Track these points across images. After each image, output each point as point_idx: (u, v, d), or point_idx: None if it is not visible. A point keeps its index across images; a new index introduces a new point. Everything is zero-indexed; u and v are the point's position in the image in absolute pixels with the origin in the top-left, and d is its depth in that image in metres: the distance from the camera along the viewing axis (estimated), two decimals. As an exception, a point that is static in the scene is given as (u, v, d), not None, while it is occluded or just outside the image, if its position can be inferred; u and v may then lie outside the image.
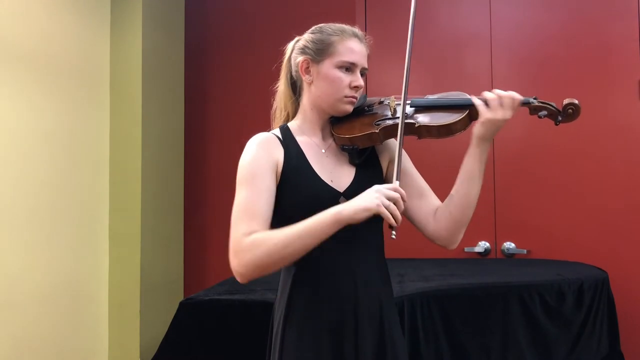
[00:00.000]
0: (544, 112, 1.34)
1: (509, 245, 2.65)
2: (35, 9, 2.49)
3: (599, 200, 2.54)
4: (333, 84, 1.34)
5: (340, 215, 1.18)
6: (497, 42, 2.73)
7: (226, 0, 3.24)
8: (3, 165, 2.33)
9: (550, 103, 1.34)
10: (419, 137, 1.35)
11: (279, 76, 1.47)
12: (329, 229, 1.19)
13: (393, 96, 1.39)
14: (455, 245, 1.40)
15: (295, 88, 1.44)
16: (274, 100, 1.49)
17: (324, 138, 1.41)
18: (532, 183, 2.64)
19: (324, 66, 1.35)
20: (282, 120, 1.46)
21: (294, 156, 1.34)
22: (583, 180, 2.57)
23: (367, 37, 1.41)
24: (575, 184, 2.58)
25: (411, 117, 1.34)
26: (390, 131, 1.34)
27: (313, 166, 1.34)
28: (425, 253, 2.42)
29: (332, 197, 1.32)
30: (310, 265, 1.30)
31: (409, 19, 1.33)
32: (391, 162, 1.44)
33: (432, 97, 1.38)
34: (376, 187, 1.21)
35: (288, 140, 1.37)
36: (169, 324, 1.94)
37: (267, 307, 1.53)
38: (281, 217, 1.33)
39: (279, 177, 1.32)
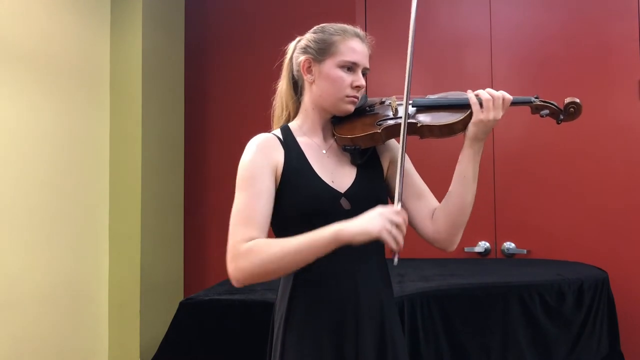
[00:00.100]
0: (546, 111, 1.34)
1: (509, 245, 2.65)
2: (35, 9, 2.49)
3: (599, 200, 2.54)
4: (335, 84, 1.34)
5: (339, 235, 1.17)
6: (497, 42, 2.73)
7: (226, 0, 3.24)
8: (3, 165, 2.33)
9: (551, 102, 1.35)
10: (421, 137, 1.35)
11: (279, 76, 1.47)
12: (327, 246, 1.19)
13: (394, 96, 1.39)
14: (453, 248, 1.40)
15: (296, 88, 1.44)
16: (274, 99, 1.49)
17: (325, 138, 1.41)
18: (532, 183, 2.64)
19: (326, 65, 1.35)
20: (283, 119, 1.46)
21: (295, 157, 1.34)
22: (583, 180, 2.57)
23: (368, 37, 1.41)
24: (575, 184, 2.58)
25: (413, 117, 1.34)
26: (393, 131, 1.34)
27: (314, 167, 1.34)
28: (425, 253, 2.42)
29: (333, 198, 1.32)
30: (311, 266, 1.30)
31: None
32: (392, 162, 1.44)
33: (433, 97, 1.38)
34: (379, 209, 1.19)
35: (289, 141, 1.36)
36: (169, 324, 1.94)
37: (267, 307, 1.53)
38: (282, 218, 1.33)
39: (279, 179, 1.32)
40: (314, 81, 1.37)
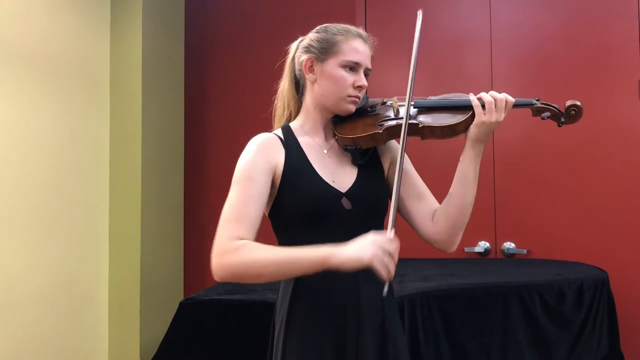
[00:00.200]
0: (547, 114, 1.35)
1: (509, 245, 2.65)
2: (35, 9, 2.49)
3: (599, 200, 2.54)
4: (337, 83, 1.35)
5: (329, 259, 1.16)
6: (497, 42, 2.73)
7: (226, 0, 3.24)
8: (3, 165, 2.33)
9: (552, 105, 1.35)
10: (423, 138, 1.35)
11: (280, 76, 1.48)
12: (312, 267, 1.18)
13: (396, 97, 1.39)
14: (454, 249, 1.40)
15: (298, 87, 1.44)
16: (275, 99, 1.49)
17: (326, 138, 1.41)
18: (532, 183, 2.64)
19: (328, 65, 1.35)
20: (284, 118, 1.46)
21: (296, 157, 1.34)
22: (583, 180, 2.57)
23: (371, 38, 1.42)
24: (575, 184, 2.58)
25: (414, 117, 1.34)
26: (394, 132, 1.34)
27: (315, 167, 1.34)
28: (425, 253, 2.42)
29: (334, 198, 1.32)
30: None
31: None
32: (392, 163, 1.44)
33: (434, 98, 1.39)
34: (372, 237, 1.17)
35: (290, 141, 1.37)
36: (169, 324, 1.94)
37: (267, 307, 1.53)
38: (283, 217, 1.33)
39: (279, 178, 1.32)
40: (315, 80, 1.37)
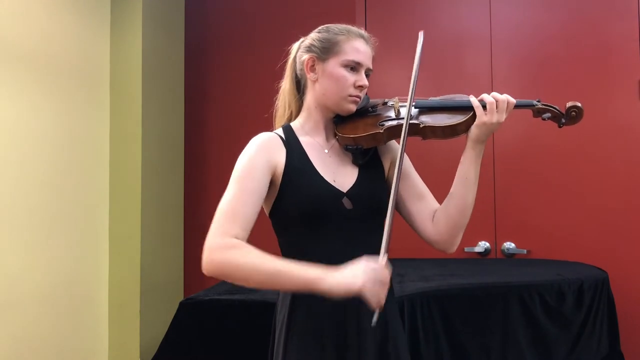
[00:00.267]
0: (548, 115, 1.36)
1: (509, 245, 2.65)
2: (35, 9, 2.49)
3: (599, 200, 2.54)
4: (338, 82, 1.35)
5: (317, 283, 1.14)
6: (497, 42, 2.73)
7: (226, 0, 3.24)
8: (3, 165, 2.33)
9: (553, 106, 1.36)
10: (424, 138, 1.36)
11: (281, 76, 1.48)
12: (300, 287, 1.17)
13: (397, 97, 1.40)
14: (453, 249, 1.40)
15: (299, 87, 1.45)
16: (276, 99, 1.49)
17: (327, 138, 1.41)
18: (532, 183, 2.64)
19: (330, 64, 1.36)
20: (285, 118, 1.46)
21: (297, 156, 1.34)
22: (583, 180, 2.57)
23: (372, 39, 1.42)
24: (575, 184, 2.58)
25: (416, 118, 1.35)
26: (395, 131, 1.34)
27: (316, 166, 1.35)
28: (425, 253, 2.42)
29: (335, 197, 1.32)
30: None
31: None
32: (393, 163, 1.44)
33: (436, 99, 1.39)
34: (364, 264, 1.15)
35: (291, 140, 1.37)
36: (169, 324, 1.94)
37: (267, 307, 1.53)
38: (283, 217, 1.34)
39: (280, 178, 1.32)
40: (317, 80, 1.38)
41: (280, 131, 1.40)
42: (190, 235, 3.14)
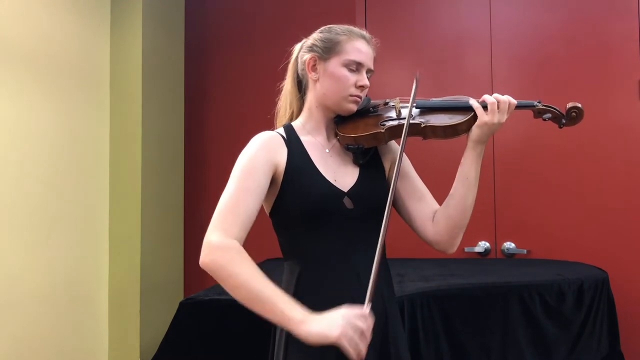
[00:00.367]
0: (548, 115, 1.37)
1: (509, 245, 2.65)
2: (35, 9, 2.49)
3: (599, 200, 2.54)
4: (339, 82, 1.35)
5: (295, 325, 1.12)
6: (497, 42, 2.73)
7: (226, 0, 3.24)
8: (3, 165, 2.33)
9: (554, 106, 1.37)
10: (424, 138, 1.36)
11: (281, 76, 1.49)
12: (276, 320, 1.16)
13: (398, 98, 1.40)
14: (453, 250, 1.40)
15: (300, 87, 1.45)
16: (278, 99, 1.50)
17: (328, 138, 1.42)
18: (532, 183, 2.64)
19: (331, 64, 1.36)
20: (286, 118, 1.47)
21: (298, 155, 1.34)
22: (583, 180, 2.57)
23: (374, 40, 1.43)
24: (575, 184, 2.58)
25: (417, 117, 1.35)
26: (396, 131, 1.35)
27: (317, 165, 1.35)
28: (425, 253, 2.42)
29: (336, 197, 1.32)
30: (314, 266, 1.31)
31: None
32: (393, 164, 1.44)
33: (437, 100, 1.40)
34: (343, 311, 1.12)
35: (292, 140, 1.37)
36: (169, 324, 1.94)
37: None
38: (284, 216, 1.34)
39: (281, 177, 1.32)
40: (318, 79, 1.38)
41: (281, 130, 1.40)
42: (190, 235, 3.14)
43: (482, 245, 2.67)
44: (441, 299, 1.85)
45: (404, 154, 1.32)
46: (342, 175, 1.37)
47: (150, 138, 2.87)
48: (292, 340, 1.29)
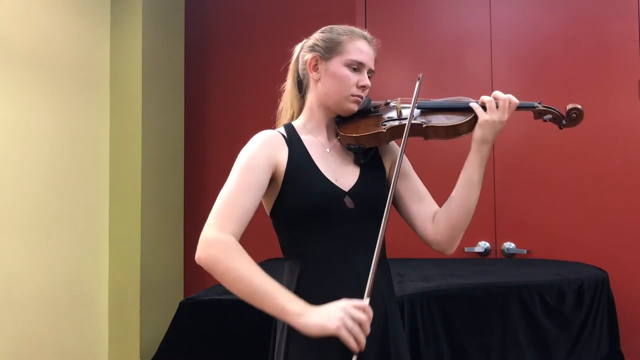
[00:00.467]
0: (549, 116, 1.37)
1: (509, 245, 2.65)
2: (35, 9, 2.49)
3: (599, 200, 2.54)
4: (340, 82, 1.36)
5: (293, 318, 1.13)
6: (497, 42, 2.73)
7: (226, 0, 3.24)
8: (3, 165, 2.33)
9: (554, 108, 1.37)
10: (426, 138, 1.36)
11: (282, 77, 1.49)
12: (274, 312, 1.17)
13: (399, 98, 1.40)
14: (452, 250, 1.41)
15: (301, 87, 1.45)
16: (280, 100, 1.50)
17: (328, 137, 1.42)
18: (532, 183, 2.64)
19: (333, 64, 1.36)
20: (287, 118, 1.47)
21: (299, 155, 1.35)
22: (583, 180, 2.57)
23: (375, 40, 1.43)
24: (575, 184, 2.58)
25: (418, 118, 1.35)
26: (397, 131, 1.35)
27: (318, 165, 1.35)
28: (425, 253, 2.42)
29: (337, 196, 1.32)
30: (314, 266, 1.31)
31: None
32: (393, 165, 1.44)
33: (438, 100, 1.40)
34: (343, 303, 1.13)
35: (293, 139, 1.37)
36: (169, 324, 1.94)
37: (267, 307, 1.52)
38: (285, 215, 1.34)
39: (282, 176, 1.32)
40: (319, 79, 1.38)
41: (282, 129, 1.41)
42: (190, 235, 3.14)
43: (482, 245, 2.67)
44: (441, 299, 1.85)
45: (404, 154, 1.33)
46: (343, 174, 1.37)
47: (150, 138, 2.87)
48: (293, 339, 1.29)
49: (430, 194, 1.45)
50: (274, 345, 1.38)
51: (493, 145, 1.40)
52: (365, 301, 1.15)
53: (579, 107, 1.36)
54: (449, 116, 1.35)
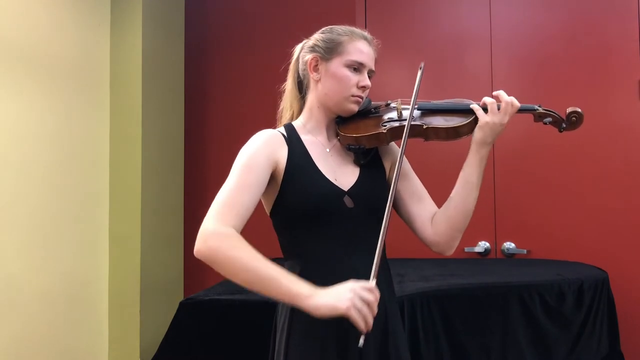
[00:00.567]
0: (549, 119, 1.38)
1: (509, 245, 2.65)
2: (35, 9, 2.49)
3: (599, 200, 2.54)
4: (341, 82, 1.36)
5: (303, 300, 1.13)
6: (497, 42, 2.73)
7: (226, 0, 3.24)
8: (3, 165, 2.33)
9: (554, 111, 1.38)
10: (426, 139, 1.37)
11: (282, 77, 1.49)
12: (284, 297, 1.17)
13: (399, 99, 1.40)
14: (451, 251, 1.41)
15: (301, 87, 1.46)
16: (280, 100, 1.50)
17: (328, 137, 1.42)
18: (532, 183, 2.64)
19: (333, 64, 1.36)
20: (287, 118, 1.47)
21: (298, 154, 1.35)
22: (583, 180, 2.57)
23: (375, 41, 1.43)
24: (575, 184, 2.58)
25: (418, 119, 1.35)
26: (398, 132, 1.35)
27: (317, 164, 1.35)
28: (425, 253, 2.41)
29: (336, 196, 1.32)
30: (314, 266, 1.30)
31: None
32: (393, 166, 1.44)
33: (438, 102, 1.40)
34: (351, 284, 1.14)
35: (293, 138, 1.37)
36: (169, 324, 1.94)
37: (267, 307, 1.53)
38: (285, 215, 1.34)
39: (281, 176, 1.32)
40: (320, 79, 1.39)
41: (282, 129, 1.41)
42: (190, 235, 3.12)
43: (482, 245, 2.67)
44: (441, 299, 1.85)
45: (403, 155, 1.33)
46: (343, 174, 1.37)
47: (150, 138, 2.87)
48: (293, 338, 1.30)
49: (430, 194, 1.45)
50: (274, 345, 1.38)
51: (493, 146, 1.40)
52: (372, 282, 1.16)
53: (579, 110, 1.36)
54: (450, 118, 1.35)
